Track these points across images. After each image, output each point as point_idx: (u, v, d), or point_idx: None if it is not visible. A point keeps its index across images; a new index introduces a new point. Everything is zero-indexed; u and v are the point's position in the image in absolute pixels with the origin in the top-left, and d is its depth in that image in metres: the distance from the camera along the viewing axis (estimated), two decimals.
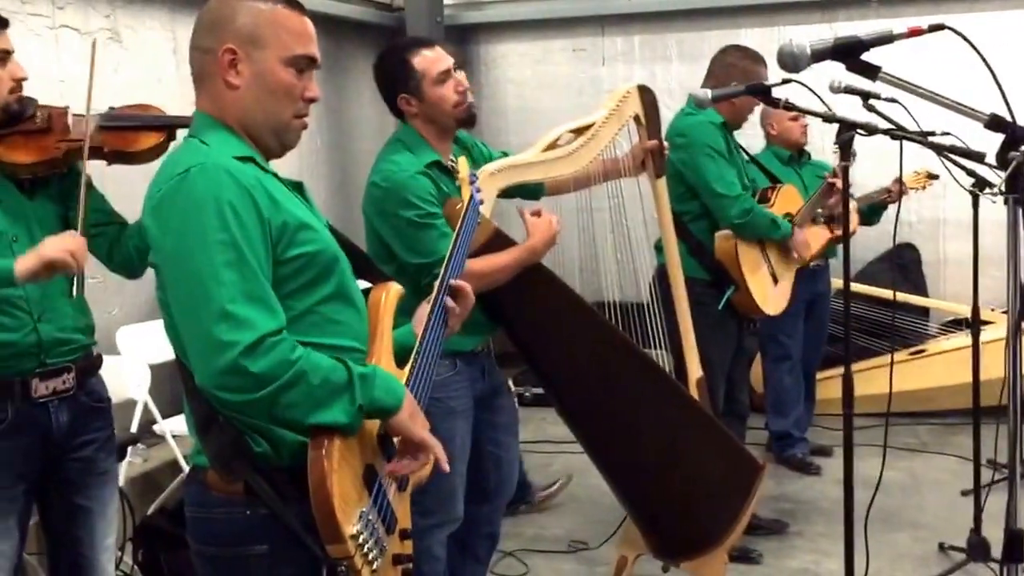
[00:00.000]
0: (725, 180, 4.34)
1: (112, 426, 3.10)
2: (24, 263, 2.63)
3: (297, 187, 2.21)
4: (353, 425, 1.99)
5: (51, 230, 2.84)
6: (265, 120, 2.12)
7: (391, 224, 3.23)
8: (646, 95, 3.67)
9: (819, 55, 2.38)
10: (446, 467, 2.18)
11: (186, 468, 4.46)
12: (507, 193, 3.46)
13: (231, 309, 1.88)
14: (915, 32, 2.24)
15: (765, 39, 6.76)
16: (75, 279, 2.71)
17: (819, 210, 4.92)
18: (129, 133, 3.01)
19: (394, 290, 2.34)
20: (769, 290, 4.54)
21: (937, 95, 2.35)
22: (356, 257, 2.27)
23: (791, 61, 2.42)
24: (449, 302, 2.34)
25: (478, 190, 2.65)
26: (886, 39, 2.29)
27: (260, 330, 1.89)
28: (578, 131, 3.52)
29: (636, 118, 3.65)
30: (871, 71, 2.31)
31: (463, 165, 2.85)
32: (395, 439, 2.15)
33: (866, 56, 2.38)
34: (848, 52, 2.35)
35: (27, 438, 2.82)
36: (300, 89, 2.13)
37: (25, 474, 2.85)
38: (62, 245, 2.65)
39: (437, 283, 2.34)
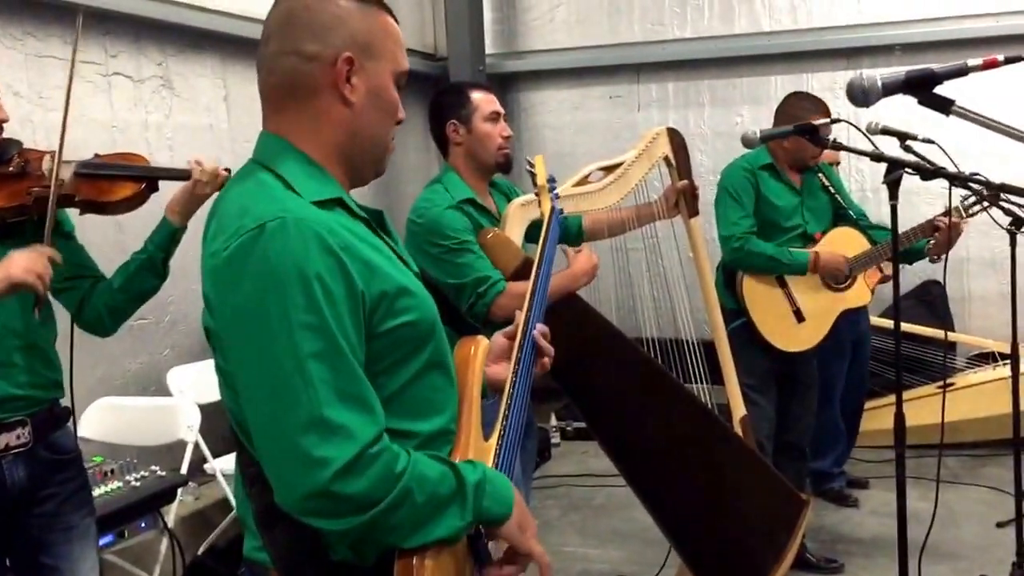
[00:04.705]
0: (728, 221, 4.22)
1: (83, 477, 2.77)
2: None
3: (377, 219, 1.74)
4: (458, 539, 1.59)
5: None
6: (372, 143, 1.70)
7: (430, 257, 3.16)
8: (675, 137, 3.60)
9: (891, 88, 2.18)
10: None
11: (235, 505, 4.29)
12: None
13: (321, 414, 1.44)
14: (990, 64, 2.02)
15: (792, 86, 6.59)
16: (37, 299, 2.49)
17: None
18: (105, 183, 2.74)
19: (483, 346, 1.85)
20: (788, 325, 4.27)
21: (1013, 129, 2.11)
22: (440, 302, 1.76)
23: (861, 95, 2.24)
24: (540, 340, 1.95)
25: (557, 196, 2.45)
26: (961, 71, 2.07)
27: (359, 441, 1.45)
28: (607, 169, 3.46)
29: (666, 159, 3.56)
30: (944, 104, 2.09)
31: (540, 163, 2.75)
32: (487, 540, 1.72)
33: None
34: (921, 85, 2.14)
35: None
36: (398, 109, 1.74)
37: None
38: (29, 266, 2.41)
39: (522, 317, 1.97)
